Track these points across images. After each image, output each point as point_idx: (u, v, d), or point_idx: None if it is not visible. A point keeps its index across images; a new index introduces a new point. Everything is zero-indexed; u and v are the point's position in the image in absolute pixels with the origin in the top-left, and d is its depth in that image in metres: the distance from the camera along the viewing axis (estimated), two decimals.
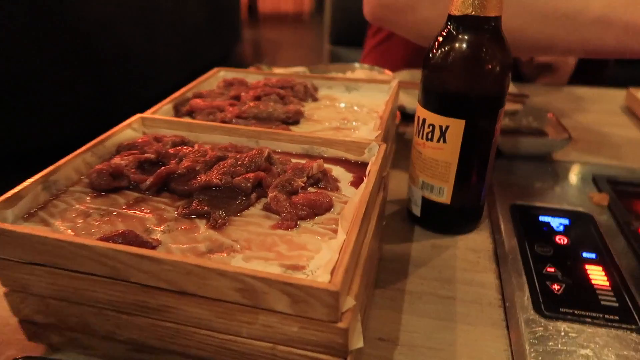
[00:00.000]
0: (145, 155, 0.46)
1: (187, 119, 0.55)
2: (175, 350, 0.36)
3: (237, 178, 0.42)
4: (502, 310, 0.46)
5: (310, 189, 0.43)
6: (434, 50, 0.50)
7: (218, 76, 0.72)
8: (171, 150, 0.47)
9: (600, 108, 0.99)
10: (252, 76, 0.71)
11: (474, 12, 0.46)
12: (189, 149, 0.48)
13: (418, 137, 0.53)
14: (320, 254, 0.35)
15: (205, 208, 0.40)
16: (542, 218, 0.59)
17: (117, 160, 0.45)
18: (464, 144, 0.50)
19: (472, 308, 0.46)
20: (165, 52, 1.54)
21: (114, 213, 0.40)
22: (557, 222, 0.58)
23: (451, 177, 0.52)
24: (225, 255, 0.35)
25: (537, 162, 0.74)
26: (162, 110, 0.58)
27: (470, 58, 0.48)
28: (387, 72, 0.80)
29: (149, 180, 0.43)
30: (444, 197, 0.53)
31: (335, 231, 0.38)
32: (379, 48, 1.30)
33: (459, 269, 0.51)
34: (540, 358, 0.40)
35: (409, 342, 0.42)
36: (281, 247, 0.36)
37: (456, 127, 0.49)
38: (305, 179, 0.44)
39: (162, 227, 0.38)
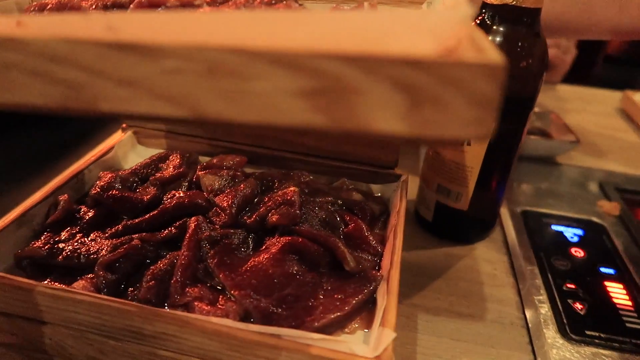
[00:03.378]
0: None
1: None
2: None
3: None
4: (526, 330, 0.42)
5: None
6: None
7: None
8: None
9: (596, 109, 0.97)
10: None
11: (514, 2, 0.42)
12: None
13: None
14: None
15: None
16: (554, 227, 0.56)
17: None
18: (490, 147, 0.45)
19: (493, 328, 0.42)
20: None
21: None
22: (570, 233, 0.55)
23: (471, 183, 0.48)
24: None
25: (541, 164, 0.71)
26: None
27: (506, 53, 0.43)
28: None
29: None
30: (461, 203, 0.49)
31: None
32: None
33: (475, 282, 0.47)
34: None
35: None
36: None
37: None
38: None
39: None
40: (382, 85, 0.16)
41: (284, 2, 0.33)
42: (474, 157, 0.46)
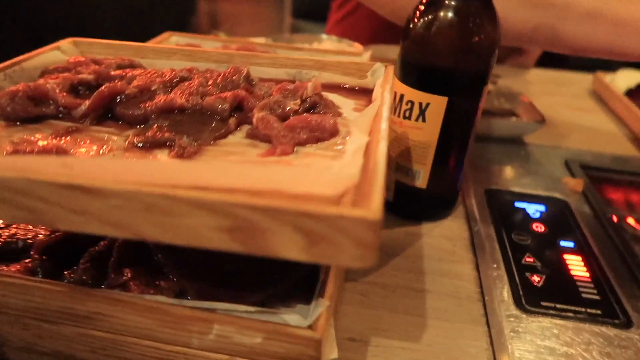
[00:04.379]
0: (81, 76, 0.35)
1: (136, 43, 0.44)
2: None
3: (209, 98, 0.32)
4: (482, 304, 0.42)
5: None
6: (416, 19, 0.44)
7: (170, 41, 0.64)
8: (116, 72, 0.36)
9: (568, 91, 0.98)
10: (208, 43, 0.64)
11: None
12: (140, 70, 0.37)
13: (394, 115, 0.48)
14: (340, 161, 0.27)
15: (167, 134, 0.30)
16: (517, 204, 0.56)
17: (40, 81, 0.34)
18: (445, 123, 0.45)
19: (449, 302, 0.42)
20: (115, 21, 1.42)
21: (33, 140, 0.29)
22: (533, 209, 0.56)
23: (429, 160, 0.48)
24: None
25: (508, 145, 0.71)
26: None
27: (458, 28, 0.43)
28: (357, 45, 0.75)
29: (86, 103, 0.32)
30: (420, 181, 0.49)
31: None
32: (344, 22, 1.24)
33: (434, 259, 0.47)
34: (522, 357, 0.37)
35: (382, 342, 0.38)
36: (277, 168, 0.27)
37: (437, 104, 0.44)
38: (298, 101, 0.34)
39: (105, 158, 0.28)
40: (286, 228, 0.20)
41: (239, 87, 0.35)
42: (430, 134, 0.46)
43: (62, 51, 0.41)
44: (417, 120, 0.46)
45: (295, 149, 0.30)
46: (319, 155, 0.29)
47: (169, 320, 0.27)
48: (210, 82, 0.35)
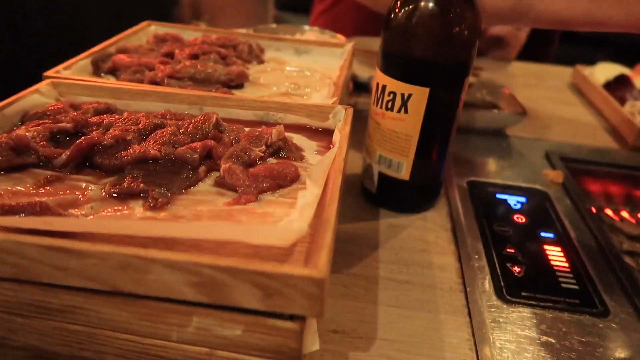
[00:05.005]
0: (60, 124, 0.37)
1: (112, 82, 0.46)
2: (86, 357, 0.29)
3: (180, 148, 0.35)
4: (464, 295, 0.42)
5: (270, 160, 0.37)
6: (397, 9, 0.44)
7: (148, 31, 0.63)
8: (93, 119, 0.39)
9: (548, 84, 0.99)
10: (188, 33, 0.63)
11: None
12: (116, 117, 0.39)
13: (376, 106, 0.48)
14: (289, 216, 0.30)
15: (142, 185, 0.32)
16: (499, 196, 0.57)
17: (21, 131, 0.36)
18: (427, 114, 0.45)
19: (431, 294, 0.42)
20: (94, 10, 1.38)
21: (16, 193, 0.31)
22: (514, 200, 0.56)
23: (411, 152, 0.47)
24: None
25: (490, 137, 0.72)
26: (77, 67, 0.49)
27: (438, 18, 0.43)
28: (340, 36, 0.74)
29: (65, 153, 0.34)
30: (403, 173, 0.49)
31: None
32: (328, 13, 1.23)
33: (417, 250, 0.47)
34: (503, 347, 0.37)
35: (365, 334, 0.38)
36: (240, 218, 0.30)
37: (419, 95, 0.44)
38: (263, 147, 0.37)
39: (84, 209, 0.31)
40: (244, 283, 0.24)
41: (209, 134, 0.37)
42: (413, 124, 0.46)
43: (41, 94, 0.42)
44: (399, 111, 0.46)
45: (258, 197, 0.33)
46: (279, 203, 0.33)
47: (146, 312, 0.26)
48: (182, 130, 0.37)
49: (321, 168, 0.33)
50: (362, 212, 0.52)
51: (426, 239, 0.49)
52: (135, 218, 0.30)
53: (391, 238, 0.49)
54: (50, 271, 0.25)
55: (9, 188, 0.32)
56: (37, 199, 0.29)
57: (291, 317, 0.26)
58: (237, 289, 0.24)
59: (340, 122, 0.40)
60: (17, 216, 0.28)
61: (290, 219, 0.29)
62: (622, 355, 0.37)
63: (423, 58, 0.44)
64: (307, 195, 0.30)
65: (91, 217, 0.30)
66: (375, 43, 0.89)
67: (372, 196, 0.53)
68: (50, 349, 0.29)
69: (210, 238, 0.27)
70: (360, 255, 0.46)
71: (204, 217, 0.30)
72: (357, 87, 0.76)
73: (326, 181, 0.32)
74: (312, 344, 0.27)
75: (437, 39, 0.43)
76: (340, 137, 0.37)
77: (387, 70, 0.46)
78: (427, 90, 0.44)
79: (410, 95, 0.45)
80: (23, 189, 0.32)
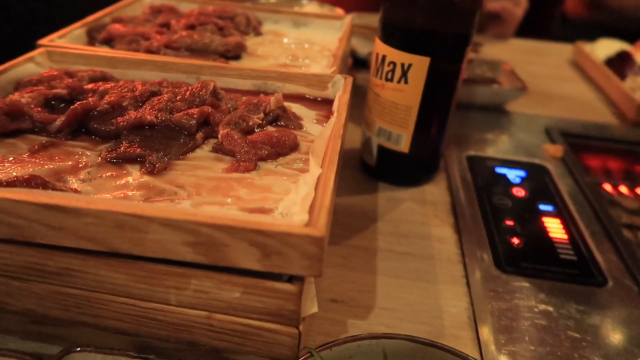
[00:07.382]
0: (54, 91, 0.36)
1: (107, 50, 0.45)
2: (85, 321, 0.29)
3: (177, 114, 0.34)
4: (462, 266, 0.42)
5: (269, 128, 0.37)
6: None
7: (144, 2, 0.61)
8: (89, 86, 0.38)
9: (549, 61, 0.98)
10: (185, 4, 0.62)
11: None
12: (112, 84, 0.39)
13: (376, 77, 0.47)
14: (290, 196, 0.29)
15: (138, 150, 0.32)
16: (498, 170, 0.57)
17: (15, 96, 0.35)
18: (427, 85, 0.45)
19: (430, 265, 0.42)
20: None
21: (11, 160, 0.31)
22: (513, 174, 0.56)
23: (411, 123, 0.47)
24: (168, 202, 0.28)
25: (490, 113, 0.71)
26: (72, 36, 0.48)
27: None
28: (339, 10, 0.73)
29: (60, 119, 0.34)
30: (402, 145, 0.48)
31: (304, 171, 0.32)
32: None
33: (416, 222, 0.47)
34: (502, 315, 0.37)
35: (364, 303, 0.38)
36: (240, 192, 0.30)
37: (420, 65, 0.44)
38: (262, 115, 0.36)
39: (81, 174, 0.30)
40: (242, 242, 0.23)
41: (207, 102, 0.37)
42: (413, 95, 0.45)
43: (36, 63, 0.42)
44: (399, 82, 0.45)
45: (257, 164, 0.32)
46: (278, 173, 0.32)
47: (143, 274, 0.26)
48: (178, 97, 0.36)
49: (322, 141, 0.33)
50: (361, 186, 0.52)
51: (426, 212, 0.49)
52: (132, 183, 0.30)
53: (390, 211, 0.49)
54: (46, 231, 0.24)
55: (2, 156, 0.31)
56: (31, 175, 0.29)
57: (290, 279, 0.25)
58: (236, 248, 0.24)
59: (340, 90, 0.39)
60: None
61: (291, 212, 0.28)
62: (620, 323, 0.38)
63: (424, 26, 0.43)
64: (309, 182, 0.29)
65: (89, 184, 0.30)
66: (374, 19, 0.88)
67: (371, 170, 0.53)
68: (48, 313, 0.29)
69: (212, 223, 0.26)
70: (360, 228, 0.46)
71: (203, 188, 0.30)
72: (356, 63, 0.75)
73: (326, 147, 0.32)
74: (311, 306, 0.27)
75: (438, 6, 0.42)
76: (339, 104, 0.36)
77: (387, 39, 0.45)
78: (427, 59, 0.43)
79: (410, 65, 0.44)
80: (14, 158, 0.31)
